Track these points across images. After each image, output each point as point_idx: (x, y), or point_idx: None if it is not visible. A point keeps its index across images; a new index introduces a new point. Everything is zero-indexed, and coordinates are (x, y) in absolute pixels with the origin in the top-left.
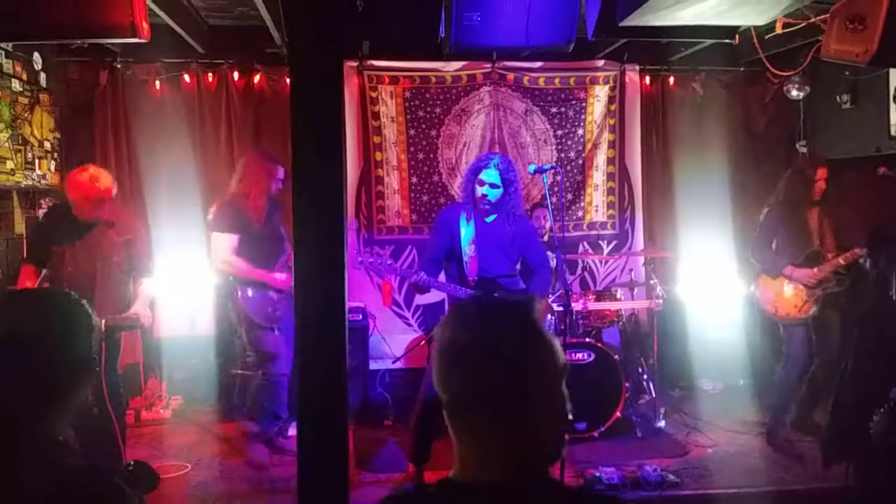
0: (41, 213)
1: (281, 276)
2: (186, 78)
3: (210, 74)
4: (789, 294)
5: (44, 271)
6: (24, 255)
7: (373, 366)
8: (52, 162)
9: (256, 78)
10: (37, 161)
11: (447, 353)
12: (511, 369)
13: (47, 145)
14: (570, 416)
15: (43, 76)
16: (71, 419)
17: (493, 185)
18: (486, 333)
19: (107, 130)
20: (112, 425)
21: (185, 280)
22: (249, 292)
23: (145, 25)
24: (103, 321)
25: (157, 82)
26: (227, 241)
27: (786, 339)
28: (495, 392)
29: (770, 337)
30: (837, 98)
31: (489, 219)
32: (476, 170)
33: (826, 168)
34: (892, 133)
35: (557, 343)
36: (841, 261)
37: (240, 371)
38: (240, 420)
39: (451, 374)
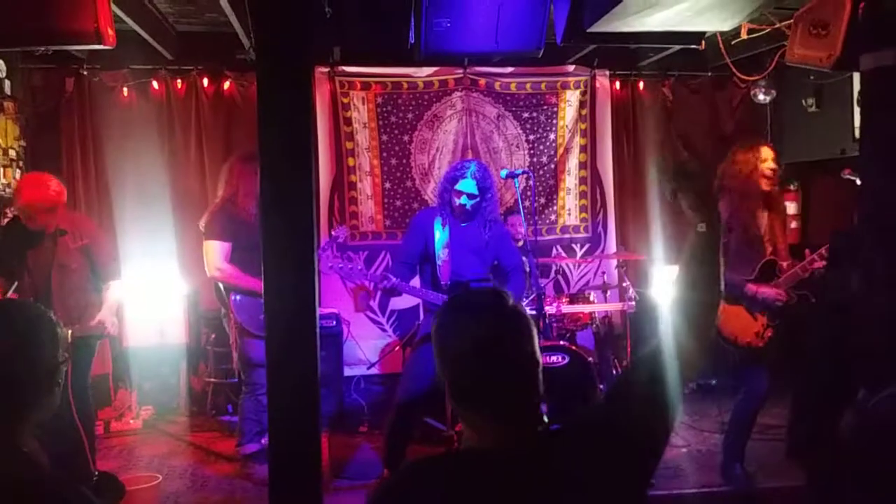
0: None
1: None
2: (155, 84)
3: (179, 81)
4: (750, 318)
5: (15, 283)
6: None
7: (347, 372)
8: (18, 171)
9: (226, 84)
10: (1, 170)
11: (450, 352)
12: (520, 365)
13: (12, 153)
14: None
15: (7, 83)
16: (37, 432)
17: (470, 196)
18: (494, 331)
19: (73, 138)
20: (80, 437)
21: (154, 289)
22: (241, 300)
23: (110, 32)
24: (70, 331)
25: (125, 89)
26: (219, 249)
27: (745, 373)
28: (506, 389)
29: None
30: (803, 102)
31: (464, 223)
32: (452, 180)
33: (770, 148)
34: (857, 135)
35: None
36: (799, 271)
37: (212, 380)
38: (211, 431)
39: (458, 371)
